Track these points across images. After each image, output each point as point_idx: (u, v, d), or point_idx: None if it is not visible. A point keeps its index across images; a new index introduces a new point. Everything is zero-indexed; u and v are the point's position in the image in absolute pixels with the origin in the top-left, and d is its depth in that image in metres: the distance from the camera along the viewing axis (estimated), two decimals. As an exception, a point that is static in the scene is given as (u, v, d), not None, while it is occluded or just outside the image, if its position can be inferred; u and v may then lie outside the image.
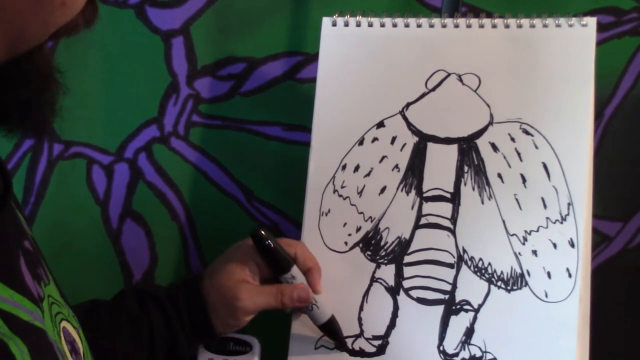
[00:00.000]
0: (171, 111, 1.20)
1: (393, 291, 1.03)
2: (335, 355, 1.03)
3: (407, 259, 1.03)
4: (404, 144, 1.05)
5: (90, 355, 0.84)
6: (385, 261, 1.04)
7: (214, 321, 1.02)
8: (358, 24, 1.08)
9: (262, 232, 1.01)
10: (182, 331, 1.03)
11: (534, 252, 1.00)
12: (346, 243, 1.05)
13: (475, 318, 1.01)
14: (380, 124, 1.06)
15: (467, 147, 1.03)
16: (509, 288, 1.00)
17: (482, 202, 1.02)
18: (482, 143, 1.03)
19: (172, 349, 1.04)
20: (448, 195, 1.03)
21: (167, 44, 1.19)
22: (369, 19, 1.08)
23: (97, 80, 1.19)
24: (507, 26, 1.04)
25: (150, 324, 1.03)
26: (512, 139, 1.02)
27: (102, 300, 1.07)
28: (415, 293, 1.03)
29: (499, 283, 1.00)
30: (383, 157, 1.05)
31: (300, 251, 1.04)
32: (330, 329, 1.03)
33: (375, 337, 1.03)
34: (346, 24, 1.08)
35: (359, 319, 1.03)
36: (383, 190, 1.05)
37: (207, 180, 1.21)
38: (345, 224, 1.05)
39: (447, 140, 1.04)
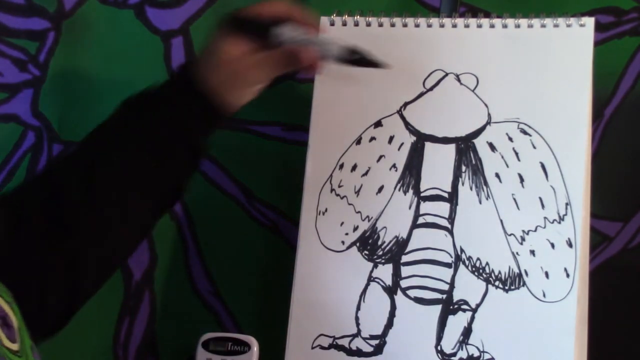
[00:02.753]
0: (171, 111, 1.20)
1: (390, 291, 1.03)
2: (331, 355, 1.03)
3: (404, 258, 1.03)
4: (402, 144, 1.05)
5: (25, 330, 0.80)
6: (383, 260, 1.04)
7: (223, 93, 0.95)
8: (356, 24, 1.08)
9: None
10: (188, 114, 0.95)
11: (532, 252, 1.00)
12: (343, 242, 1.05)
13: (473, 318, 1.00)
14: (378, 124, 1.06)
15: (465, 147, 1.03)
16: (506, 288, 1.00)
17: (480, 202, 1.02)
18: (480, 143, 1.03)
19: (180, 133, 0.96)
20: (446, 195, 1.03)
21: (166, 44, 1.19)
22: (367, 18, 1.08)
23: (97, 80, 1.19)
24: (505, 26, 1.04)
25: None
26: (510, 139, 1.02)
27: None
28: (412, 292, 1.02)
29: (496, 283, 1.00)
30: (380, 157, 1.05)
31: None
32: (359, 55, 0.96)
33: (373, 337, 1.03)
34: (344, 24, 1.08)
35: (356, 318, 1.03)
36: (380, 189, 1.05)
37: (207, 180, 1.21)
38: (342, 223, 1.05)
39: (445, 140, 1.04)
